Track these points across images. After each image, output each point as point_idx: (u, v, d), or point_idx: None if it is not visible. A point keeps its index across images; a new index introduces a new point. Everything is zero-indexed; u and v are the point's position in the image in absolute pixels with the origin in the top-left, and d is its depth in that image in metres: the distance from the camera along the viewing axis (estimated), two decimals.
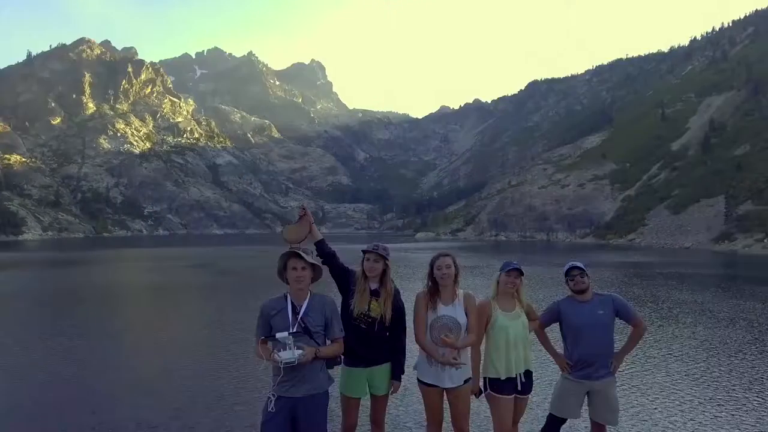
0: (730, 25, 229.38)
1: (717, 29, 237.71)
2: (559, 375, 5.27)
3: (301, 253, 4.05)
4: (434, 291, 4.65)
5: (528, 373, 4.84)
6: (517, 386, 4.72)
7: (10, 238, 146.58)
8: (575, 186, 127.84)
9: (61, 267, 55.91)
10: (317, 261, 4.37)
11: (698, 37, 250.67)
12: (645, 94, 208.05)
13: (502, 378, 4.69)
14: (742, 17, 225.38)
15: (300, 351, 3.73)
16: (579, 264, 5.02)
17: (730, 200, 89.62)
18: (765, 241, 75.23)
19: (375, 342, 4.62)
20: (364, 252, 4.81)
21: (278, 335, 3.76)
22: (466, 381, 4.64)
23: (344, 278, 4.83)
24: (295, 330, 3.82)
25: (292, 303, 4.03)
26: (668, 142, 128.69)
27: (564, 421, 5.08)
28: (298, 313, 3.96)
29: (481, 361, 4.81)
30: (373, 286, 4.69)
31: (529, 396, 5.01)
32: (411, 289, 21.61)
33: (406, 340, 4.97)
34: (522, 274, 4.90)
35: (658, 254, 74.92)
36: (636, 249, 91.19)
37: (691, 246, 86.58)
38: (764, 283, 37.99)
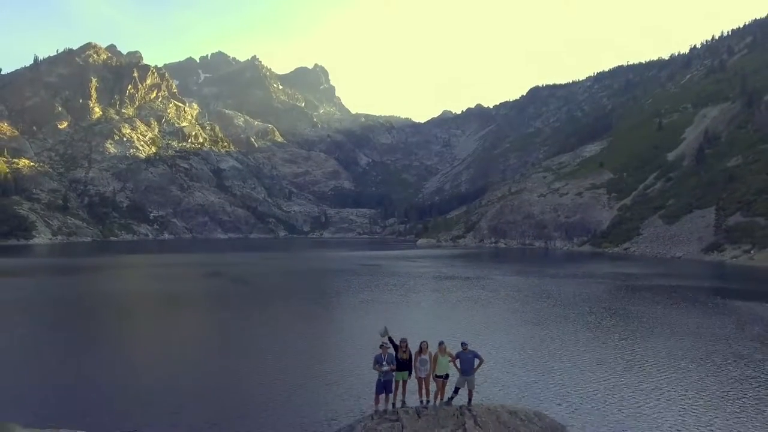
0: (730, 33, 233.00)
1: (717, 37, 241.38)
2: (457, 375, 12.88)
3: (385, 344, 12.65)
4: (419, 351, 12.81)
5: (446, 375, 12.88)
6: (442, 377, 12.82)
7: (21, 242, 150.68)
8: (573, 195, 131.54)
9: (84, 274, 59.87)
10: (388, 343, 12.76)
11: (698, 45, 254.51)
12: (644, 102, 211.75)
13: (436, 375, 12.80)
14: (741, 26, 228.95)
15: (389, 367, 12.35)
16: (465, 341, 12.88)
17: (720, 212, 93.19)
18: (751, 252, 78.89)
19: (403, 364, 12.67)
20: (399, 342, 12.71)
21: (384, 364, 12.38)
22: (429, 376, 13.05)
23: (395, 346, 12.63)
24: (386, 362, 12.38)
25: (382, 356, 12.54)
26: (664, 152, 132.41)
27: (459, 389, 12.74)
28: (384, 358, 12.50)
29: (434, 370, 12.90)
30: (403, 348, 12.83)
31: (447, 380, 12.91)
32: (414, 300, 26.22)
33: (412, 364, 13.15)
34: (443, 343, 12.74)
35: (649, 265, 78.66)
36: (630, 258, 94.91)
37: (682, 256, 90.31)
38: (738, 296, 41.75)
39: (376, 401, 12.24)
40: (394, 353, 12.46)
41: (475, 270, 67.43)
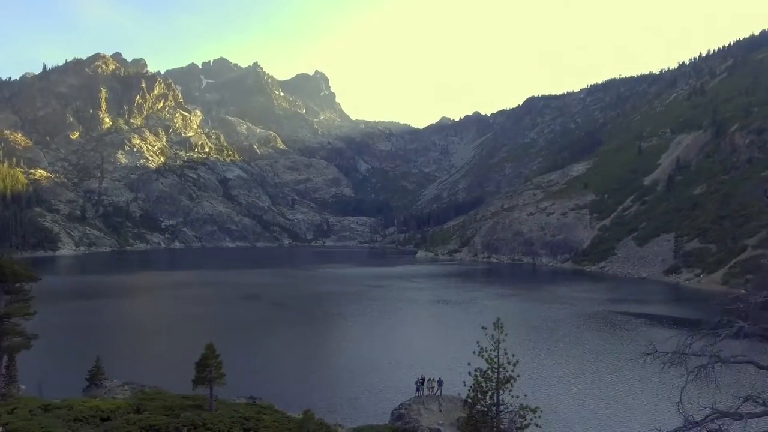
0: (716, 51, 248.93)
1: (703, 55, 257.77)
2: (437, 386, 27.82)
3: (418, 378, 27.32)
4: (428, 379, 26.89)
5: (433, 386, 30.50)
6: (432, 387, 30.44)
7: (49, 253, 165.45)
8: (559, 214, 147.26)
9: (148, 295, 74.88)
10: (421, 377, 27.54)
11: (686, 62, 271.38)
12: (632, 119, 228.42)
13: (430, 387, 27.16)
14: (725, 45, 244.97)
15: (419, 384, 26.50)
16: (441, 377, 29.40)
17: (679, 237, 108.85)
18: (700, 276, 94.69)
19: (422, 382, 28.42)
20: (421, 377, 28.94)
21: (417, 381, 28.95)
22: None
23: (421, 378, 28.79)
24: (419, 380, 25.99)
25: (418, 380, 27.48)
26: (642, 176, 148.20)
27: (438, 390, 28.04)
28: (418, 379, 26.39)
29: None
30: (422, 379, 29.37)
31: (434, 387, 28.93)
32: (420, 326, 43.70)
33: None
34: (432, 378, 30.16)
35: (613, 287, 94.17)
36: (602, 278, 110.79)
37: (647, 276, 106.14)
38: (657, 322, 57.17)
39: (415, 393, 28.19)
40: (420, 378, 28.72)
41: (466, 293, 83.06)
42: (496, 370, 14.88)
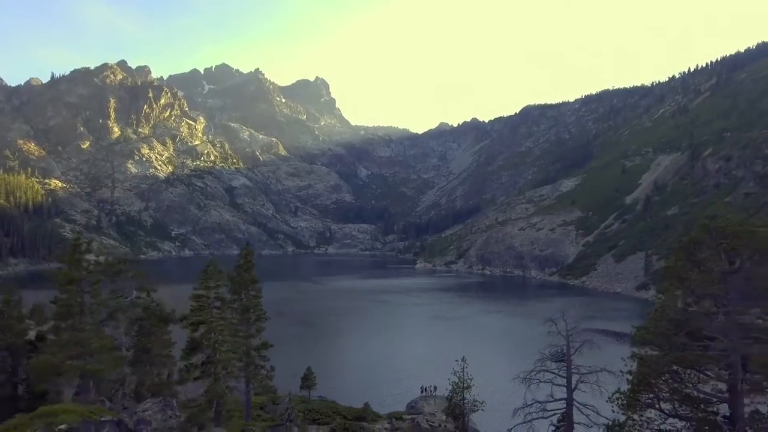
0: (704, 67, 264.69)
1: (692, 69, 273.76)
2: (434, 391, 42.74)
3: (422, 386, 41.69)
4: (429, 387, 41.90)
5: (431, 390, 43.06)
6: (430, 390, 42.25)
7: None
8: (547, 230, 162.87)
9: None
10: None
11: (677, 75, 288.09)
12: (622, 133, 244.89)
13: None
14: (712, 62, 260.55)
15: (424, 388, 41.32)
16: (434, 385, 42.97)
17: (650, 255, 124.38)
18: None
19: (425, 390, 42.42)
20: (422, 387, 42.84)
21: (422, 387, 40.68)
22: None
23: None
24: (423, 387, 41.30)
25: (423, 386, 41.06)
26: (624, 195, 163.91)
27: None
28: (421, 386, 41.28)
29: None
30: (424, 388, 42.72)
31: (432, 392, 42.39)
32: (423, 342, 59.53)
33: None
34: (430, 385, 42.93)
35: (593, 299, 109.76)
36: (582, 292, 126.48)
37: (621, 291, 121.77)
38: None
39: (420, 393, 42.55)
40: (423, 387, 43.19)
41: (461, 308, 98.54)
42: (462, 382, 29.98)
